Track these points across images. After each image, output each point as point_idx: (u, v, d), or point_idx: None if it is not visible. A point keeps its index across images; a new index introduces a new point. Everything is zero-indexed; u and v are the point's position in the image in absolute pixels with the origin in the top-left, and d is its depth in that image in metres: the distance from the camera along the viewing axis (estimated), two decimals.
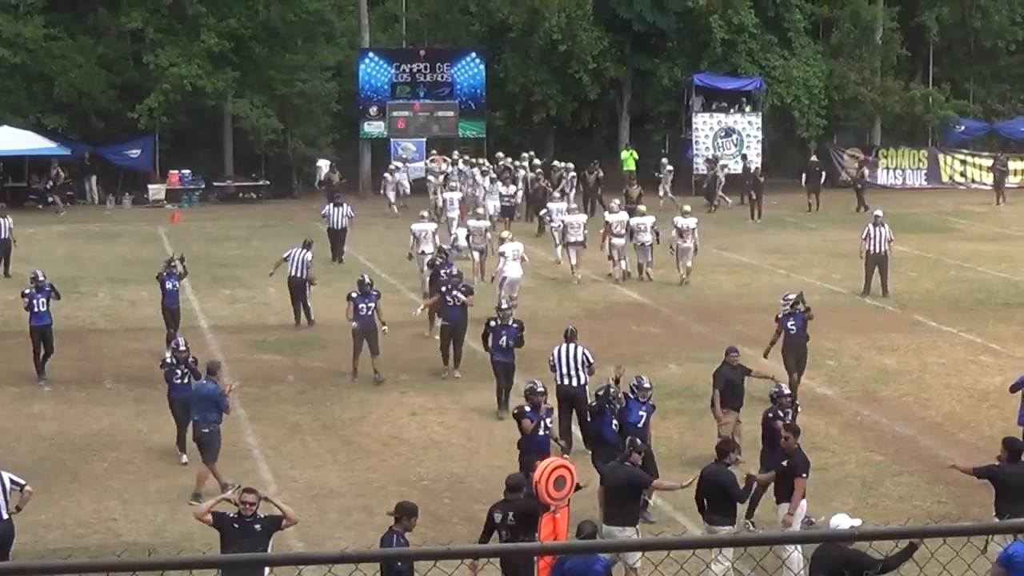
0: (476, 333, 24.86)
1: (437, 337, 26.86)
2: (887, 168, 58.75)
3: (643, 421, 19.11)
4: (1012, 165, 56.74)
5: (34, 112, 52.50)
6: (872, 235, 33.35)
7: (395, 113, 55.90)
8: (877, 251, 33.35)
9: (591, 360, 21.90)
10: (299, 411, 23.93)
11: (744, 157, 54.14)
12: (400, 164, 51.73)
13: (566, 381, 21.65)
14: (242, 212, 50.66)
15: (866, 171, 51.89)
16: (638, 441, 17.28)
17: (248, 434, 22.72)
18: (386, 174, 50.47)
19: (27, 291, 26.12)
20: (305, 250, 30.95)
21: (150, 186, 53.79)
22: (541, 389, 19.33)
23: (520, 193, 45.17)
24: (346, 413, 23.78)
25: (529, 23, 55.83)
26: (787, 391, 19.33)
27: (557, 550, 14.54)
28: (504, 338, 23.40)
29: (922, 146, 59.88)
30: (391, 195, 49.11)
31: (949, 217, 49.01)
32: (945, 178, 58.47)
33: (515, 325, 23.76)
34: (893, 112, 59.70)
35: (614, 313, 31.45)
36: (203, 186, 54.17)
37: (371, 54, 56.33)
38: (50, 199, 50.63)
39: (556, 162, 49.38)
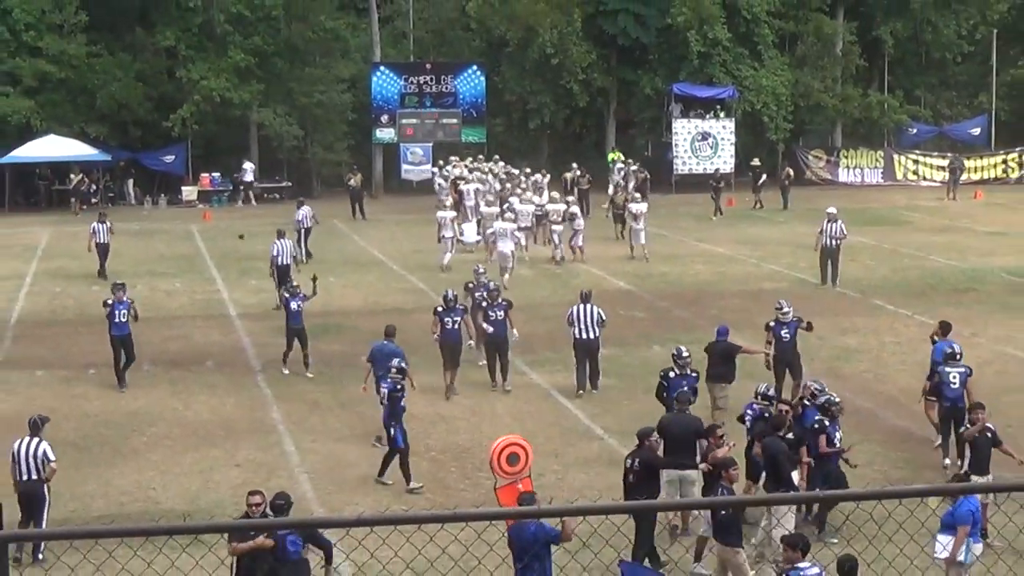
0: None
1: (483, 361, 24.65)
2: (847, 167, 58.80)
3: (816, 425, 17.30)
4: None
5: (78, 122, 52.44)
6: (826, 230, 33.33)
7: (404, 121, 55.91)
8: (830, 245, 33.32)
9: (604, 318, 23.36)
10: (319, 390, 23.91)
11: (639, 165, 52.77)
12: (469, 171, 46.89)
13: (583, 335, 23.07)
14: (267, 211, 50.56)
15: (791, 172, 51.21)
16: (685, 391, 17.98)
17: (273, 411, 22.71)
18: (439, 179, 46.83)
19: (110, 301, 24.31)
20: (283, 239, 31.46)
21: (183, 188, 53.83)
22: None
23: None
24: (361, 391, 23.73)
25: (524, 39, 55.81)
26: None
27: (555, 513, 14.45)
28: (686, 390, 18.62)
29: (878, 147, 59.87)
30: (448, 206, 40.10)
31: (903, 211, 49.00)
32: (899, 176, 58.52)
33: (694, 374, 19.74)
34: (852, 116, 59.85)
35: (602, 299, 31.15)
36: (231, 187, 54.17)
37: (382, 67, 56.31)
38: (73, 200, 50.05)
39: (511, 169, 47.23)
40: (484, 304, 23.97)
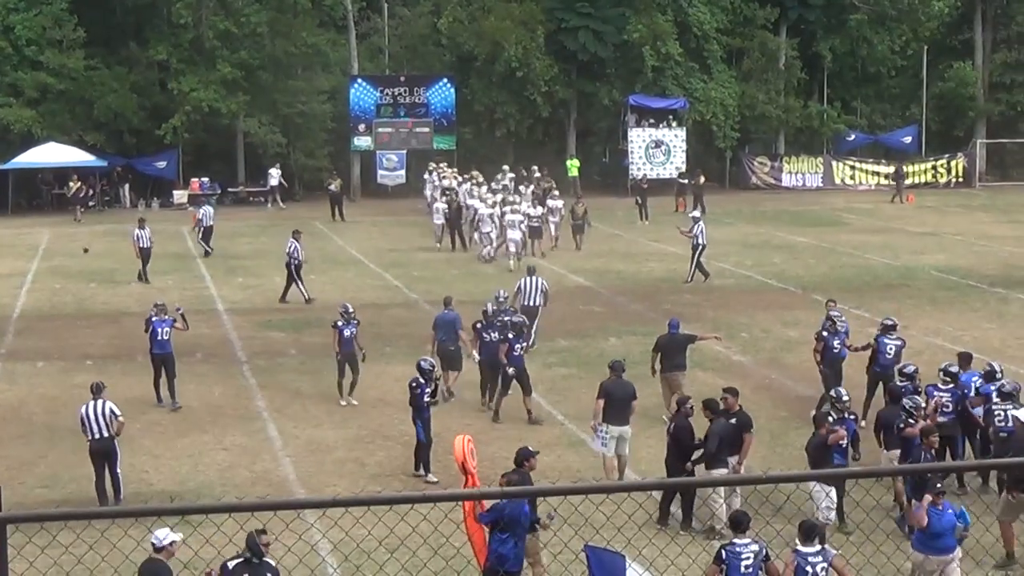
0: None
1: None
2: (790, 172, 58.95)
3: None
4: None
5: (76, 130, 52.11)
6: (704, 231, 33.70)
7: (380, 129, 55.77)
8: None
9: (547, 288, 25.66)
10: (301, 379, 23.81)
11: (544, 174, 52.08)
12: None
13: (529, 302, 25.22)
14: (252, 213, 50.42)
15: (702, 179, 50.87)
16: (618, 361, 18.76)
17: (258, 399, 22.61)
18: (431, 186, 46.07)
19: (152, 318, 22.29)
20: (298, 238, 31.94)
21: (175, 192, 53.54)
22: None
23: (544, 213, 39.84)
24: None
25: (491, 53, 55.73)
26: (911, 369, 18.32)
27: (545, 492, 14.39)
28: (846, 439, 16.39)
29: (818, 154, 60.06)
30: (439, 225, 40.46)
31: (841, 213, 49.17)
32: (837, 180, 58.69)
33: (852, 417, 17.34)
34: (794, 126, 60.07)
35: (564, 295, 31.34)
36: (219, 191, 53.84)
37: (360, 80, 56.15)
38: (73, 207, 49.20)
39: (460, 176, 46.60)
40: (483, 331, 21.69)
